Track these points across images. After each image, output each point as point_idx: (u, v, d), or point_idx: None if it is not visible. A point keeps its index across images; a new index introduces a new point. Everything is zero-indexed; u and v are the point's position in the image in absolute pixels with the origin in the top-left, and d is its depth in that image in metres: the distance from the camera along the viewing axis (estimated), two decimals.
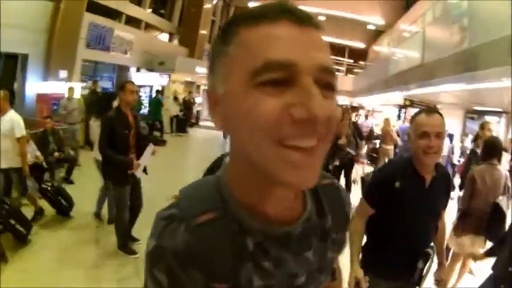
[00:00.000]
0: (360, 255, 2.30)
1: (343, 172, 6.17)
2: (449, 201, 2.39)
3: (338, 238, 0.88)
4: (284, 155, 0.57)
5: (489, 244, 3.69)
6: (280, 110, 0.56)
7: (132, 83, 4.18)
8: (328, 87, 0.61)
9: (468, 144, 10.46)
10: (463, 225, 3.83)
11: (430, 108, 2.08)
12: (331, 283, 0.95)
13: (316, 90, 0.57)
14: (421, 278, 2.17)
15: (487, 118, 10.33)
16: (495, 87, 6.21)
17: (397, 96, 13.10)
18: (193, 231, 0.67)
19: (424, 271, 2.17)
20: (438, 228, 2.37)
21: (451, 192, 2.44)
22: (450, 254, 4.04)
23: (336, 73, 0.66)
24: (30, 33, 9.55)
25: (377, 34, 25.03)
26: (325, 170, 0.94)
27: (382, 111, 18.45)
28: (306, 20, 0.61)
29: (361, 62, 27.87)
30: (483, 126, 5.11)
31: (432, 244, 2.28)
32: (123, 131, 3.99)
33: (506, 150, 8.01)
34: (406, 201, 2.08)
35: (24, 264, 3.87)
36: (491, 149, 3.85)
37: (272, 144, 0.57)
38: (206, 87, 0.71)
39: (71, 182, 6.74)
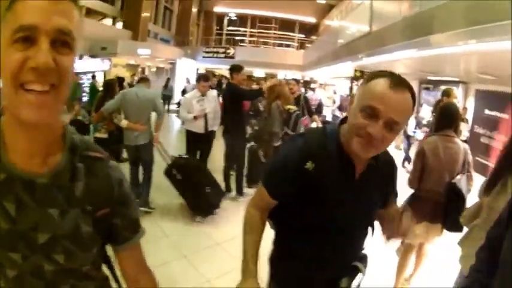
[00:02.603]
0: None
1: None
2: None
3: (97, 216, 0.95)
4: (22, 96, 0.76)
5: (446, 233, 3.09)
6: (21, 61, 0.74)
7: None
8: (65, 45, 0.79)
9: (425, 114, 10.14)
10: (415, 211, 3.15)
11: (400, 78, 1.26)
12: None
13: (45, 46, 0.75)
14: None
15: (443, 88, 10.02)
16: (450, 53, 5.73)
17: (348, 68, 12.69)
18: None
19: None
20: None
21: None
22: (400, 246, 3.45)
23: (72, 29, 0.81)
24: None
25: (328, 8, 24.76)
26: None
27: (334, 85, 18.26)
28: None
29: (313, 37, 27.59)
30: (448, 93, 4.36)
31: (364, 253, 1.62)
32: None
33: (463, 120, 7.65)
34: (322, 194, 1.38)
35: None
36: (446, 118, 3.13)
37: (15, 88, 0.75)
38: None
39: None
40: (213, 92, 6.01)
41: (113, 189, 0.99)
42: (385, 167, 1.52)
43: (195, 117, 5.46)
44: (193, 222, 4.83)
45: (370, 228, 1.60)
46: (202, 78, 5.75)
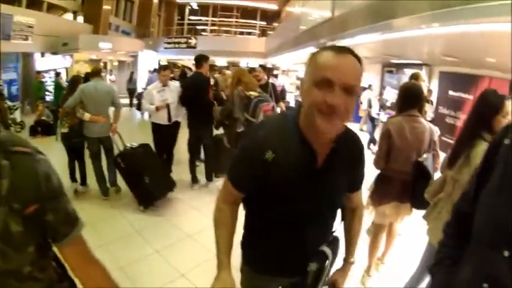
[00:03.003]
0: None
1: None
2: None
3: (26, 213, 0.92)
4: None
5: (416, 212, 3.15)
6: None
7: None
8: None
9: (388, 96, 10.30)
10: (383, 191, 3.19)
11: (341, 46, 1.28)
12: None
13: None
14: (317, 283, 1.51)
15: (407, 71, 10.20)
16: (412, 37, 5.84)
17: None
18: None
19: (323, 274, 1.52)
20: (351, 213, 1.69)
21: None
22: (370, 226, 3.51)
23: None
24: None
25: None
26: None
27: (297, 71, 18.35)
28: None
29: (275, 24, 27.53)
30: (416, 77, 4.44)
31: (336, 236, 1.62)
32: None
33: (428, 101, 7.82)
34: (284, 183, 1.36)
35: None
36: (410, 98, 3.14)
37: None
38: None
39: None
40: (175, 83, 5.97)
41: (40, 184, 0.96)
42: (351, 148, 1.51)
43: (157, 108, 5.42)
44: (163, 216, 4.79)
45: (338, 211, 1.61)
46: (162, 67, 5.83)
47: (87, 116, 4.96)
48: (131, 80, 16.94)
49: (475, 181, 1.20)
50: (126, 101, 15.17)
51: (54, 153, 4.59)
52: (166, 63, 10.41)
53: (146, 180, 4.84)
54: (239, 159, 1.47)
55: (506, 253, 0.95)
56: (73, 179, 5.42)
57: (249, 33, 29.18)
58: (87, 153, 5.36)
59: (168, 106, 5.50)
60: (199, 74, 5.68)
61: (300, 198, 1.39)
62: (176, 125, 5.77)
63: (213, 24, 29.96)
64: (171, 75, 6.10)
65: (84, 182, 5.53)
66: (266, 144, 1.35)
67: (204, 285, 3.10)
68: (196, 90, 5.52)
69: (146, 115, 5.88)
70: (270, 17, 28.52)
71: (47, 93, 12.93)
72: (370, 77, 12.01)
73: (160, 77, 5.62)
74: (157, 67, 14.43)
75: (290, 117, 1.42)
